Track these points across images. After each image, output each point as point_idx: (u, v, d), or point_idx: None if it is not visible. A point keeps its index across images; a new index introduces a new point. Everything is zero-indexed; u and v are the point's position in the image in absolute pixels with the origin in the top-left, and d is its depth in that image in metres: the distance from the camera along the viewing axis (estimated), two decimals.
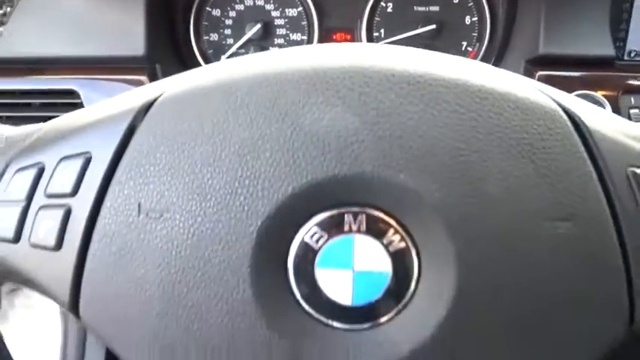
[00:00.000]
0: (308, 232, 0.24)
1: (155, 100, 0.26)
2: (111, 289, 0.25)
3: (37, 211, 0.26)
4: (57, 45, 0.54)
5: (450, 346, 0.24)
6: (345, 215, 0.24)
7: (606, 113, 0.26)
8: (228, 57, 0.63)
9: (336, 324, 0.25)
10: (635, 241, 0.24)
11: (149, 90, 0.26)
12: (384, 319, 0.25)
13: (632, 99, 0.50)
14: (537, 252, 0.24)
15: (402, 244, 0.24)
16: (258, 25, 0.62)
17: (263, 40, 0.63)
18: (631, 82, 0.52)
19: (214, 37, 0.63)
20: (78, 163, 0.25)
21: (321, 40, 0.62)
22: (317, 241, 0.24)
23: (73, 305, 0.26)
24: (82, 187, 0.25)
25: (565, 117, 0.24)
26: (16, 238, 0.26)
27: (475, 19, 0.59)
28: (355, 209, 0.24)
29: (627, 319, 0.25)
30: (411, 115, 0.24)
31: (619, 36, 0.63)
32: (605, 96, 0.46)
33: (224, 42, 0.63)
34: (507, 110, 0.24)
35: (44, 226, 0.26)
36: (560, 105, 0.24)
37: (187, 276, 0.24)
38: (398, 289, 0.25)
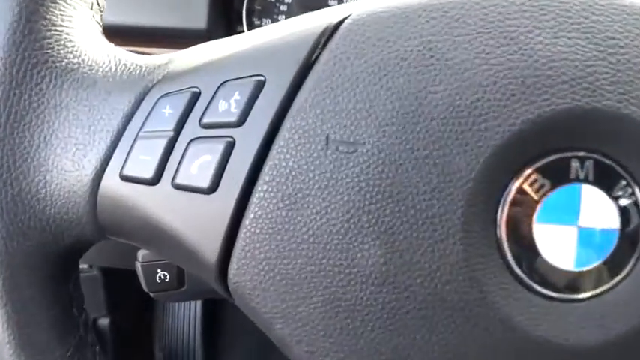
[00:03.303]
0: (527, 178, 0.21)
1: (344, 19, 0.22)
2: (278, 244, 0.21)
3: (188, 144, 0.21)
4: (130, 15, 0.53)
5: None
6: (572, 160, 0.21)
7: None
8: None
9: (550, 292, 0.21)
10: None
11: (334, 11, 0.22)
12: (605, 287, 0.21)
13: None
14: None
15: (632, 199, 0.21)
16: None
17: None
18: None
19: (267, 22, 0.60)
20: (247, 88, 0.21)
21: None
22: (537, 190, 0.21)
23: (221, 266, 0.22)
24: (251, 116, 0.21)
25: None
26: (156, 178, 0.21)
27: None
28: (582, 154, 0.21)
29: None
30: None
31: None
32: None
33: None
34: None
35: (197, 162, 0.21)
36: None
37: (382, 227, 0.20)
38: (624, 253, 0.21)
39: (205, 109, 0.21)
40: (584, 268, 0.21)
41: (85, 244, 0.24)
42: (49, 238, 0.22)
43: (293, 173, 0.21)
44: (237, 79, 0.21)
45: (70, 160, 0.22)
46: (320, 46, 0.21)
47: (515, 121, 0.20)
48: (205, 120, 0.21)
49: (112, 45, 0.24)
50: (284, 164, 0.21)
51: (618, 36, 0.21)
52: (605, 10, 0.21)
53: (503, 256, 0.21)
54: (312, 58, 0.21)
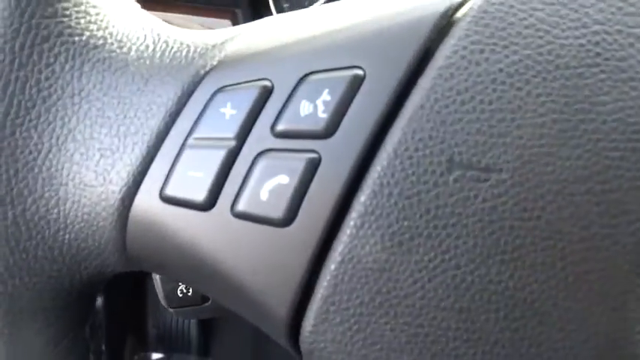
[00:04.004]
0: None
1: None
2: (373, 297, 0.16)
3: (255, 158, 0.16)
4: None
5: None
6: None
7: None
8: None
9: None
10: None
11: None
12: None
13: None
14: None
15: None
16: None
17: None
18: None
19: None
20: (340, 85, 0.15)
21: None
22: None
23: (293, 320, 0.16)
24: (344, 124, 0.15)
25: None
26: (210, 202, 0.16)
27: None
28: None
29: None
30: None
31: None
32: None
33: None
34: None
35: (268, 184, 0.16)
36: None
37: (518, 284, 0.15)
38: None
39: (280, 112, 0.16)
40: None
41: (106, 276, 0.18)
42: (61, 271, 0.17)
43: (400, 205, 0.15)
44: (325, 71, 0.16)
45: (93, 170, 0.17)
46: (441, 32, 0.16)
47: None
48: (280, 126, 0.16)
49: (149, 14, 0.19)
50: (387, 192, 0.15)
51: None
52: None
53: None
54: (430, 48, 0.16)
